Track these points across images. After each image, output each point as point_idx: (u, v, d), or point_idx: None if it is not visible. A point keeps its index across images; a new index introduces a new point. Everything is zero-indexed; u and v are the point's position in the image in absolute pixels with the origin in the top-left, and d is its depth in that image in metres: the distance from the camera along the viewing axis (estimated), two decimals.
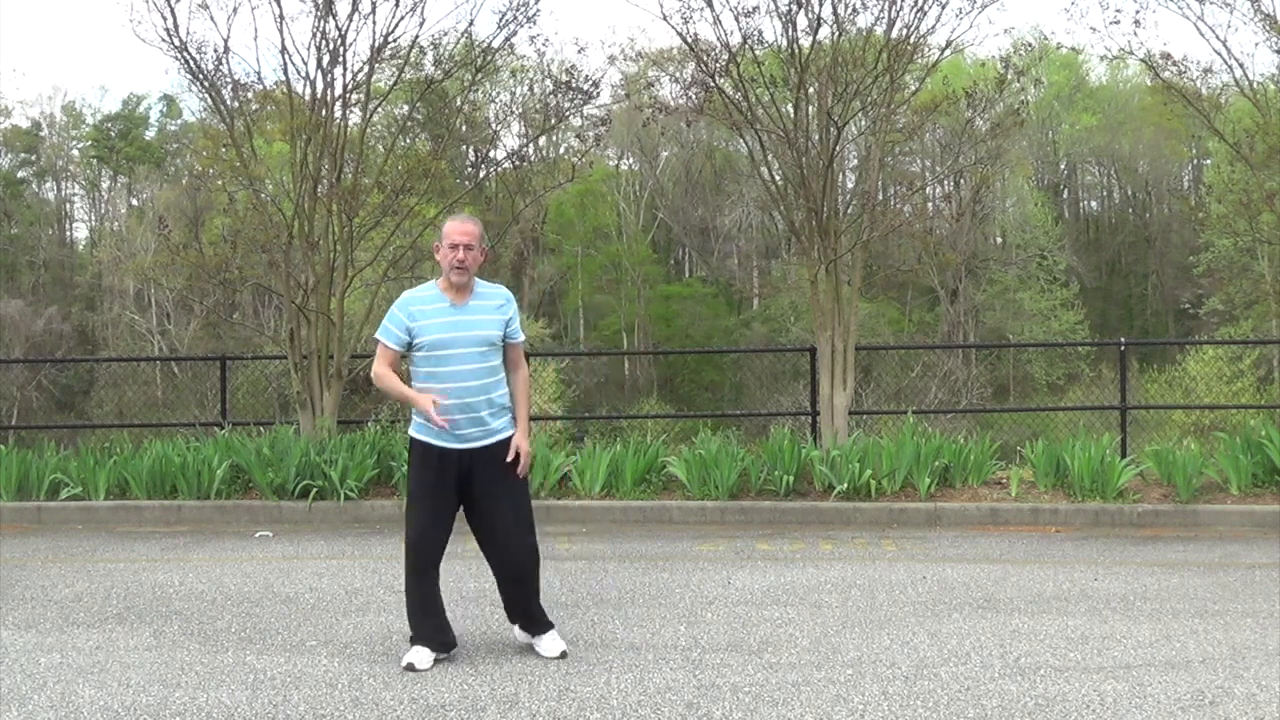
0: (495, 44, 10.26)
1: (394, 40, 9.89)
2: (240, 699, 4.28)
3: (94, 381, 31.34)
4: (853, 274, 10.03)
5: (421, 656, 4.64)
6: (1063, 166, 50.40)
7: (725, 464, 8.73)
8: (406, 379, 4.76)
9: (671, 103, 11.32)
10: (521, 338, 4.83)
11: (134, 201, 48.03)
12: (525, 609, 4.86)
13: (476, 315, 4.65)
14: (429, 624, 4.72)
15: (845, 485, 8.57)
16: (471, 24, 14.38)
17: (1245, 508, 8.29)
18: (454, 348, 4.59)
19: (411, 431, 4.73)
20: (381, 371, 4.67)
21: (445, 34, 10.61)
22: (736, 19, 9.62)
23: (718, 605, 5.74)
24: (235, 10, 9.74)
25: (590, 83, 10.36)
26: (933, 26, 9.72)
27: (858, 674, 4.55)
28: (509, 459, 4.68)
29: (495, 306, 4.71)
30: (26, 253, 45.20)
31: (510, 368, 4.81)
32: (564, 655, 4.76)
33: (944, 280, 39.31)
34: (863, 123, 11.48)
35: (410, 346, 4.64)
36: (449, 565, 6.83)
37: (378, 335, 4.71)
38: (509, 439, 4.72)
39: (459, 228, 4.64)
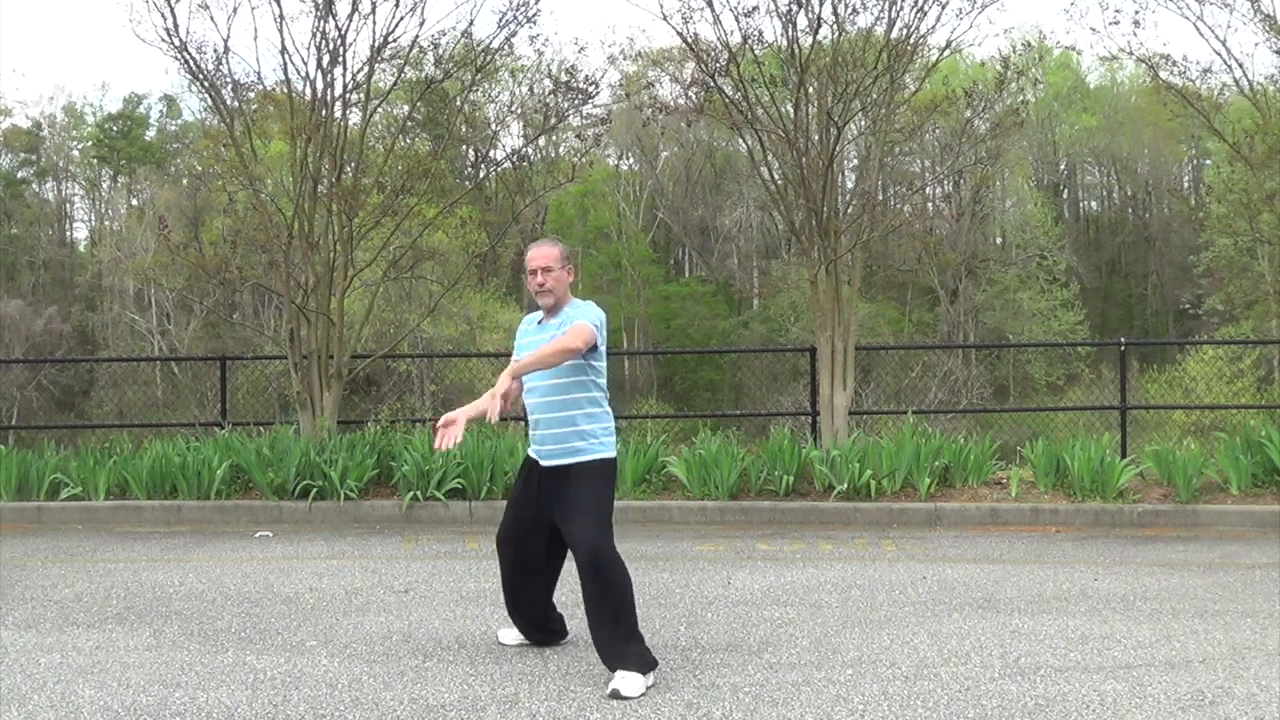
0: (495, 44, 10.29)
1: (394, 40, 9.91)
2: (240, 699, 4.28)
3: (94, 381, 31.30)
4: (853, 274, 10.04)
5: (504, 633, 5.06)
6: (1062, 166, 50.38)
7: (725, 464, 8.73)
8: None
9: (671, 103, 11.34)
10: (571, 327, 4.44)
11: (134, 201, 47.97)
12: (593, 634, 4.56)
13: (547, 335, 4.59)
14: (511, 612, 4.93)
15: (845, 485, 8.57)
16: (471, 24, 14.36)
17: (1245, 508, 8.30)
18: None
19: None
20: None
21: (445, 34, 10.60)
22: (736, 19, 9.66)
23: (718, 605, 5.74)
24: (235, 10, 9.82)
25: (590, 83, 10.37)
26: (933, 26, 9.76)
27: (858, 674, 4.55)
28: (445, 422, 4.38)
29: (562, 325, 4.55)
30: (26, 253, 45.16)
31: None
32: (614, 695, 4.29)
33: (944, 280, 39.27)
34: (863, 123, 11.49)
35: None
36: (449, 564, 6.85)
37: None
38: (582, 463, 4.51)
39: (533, 253, 4.59)
